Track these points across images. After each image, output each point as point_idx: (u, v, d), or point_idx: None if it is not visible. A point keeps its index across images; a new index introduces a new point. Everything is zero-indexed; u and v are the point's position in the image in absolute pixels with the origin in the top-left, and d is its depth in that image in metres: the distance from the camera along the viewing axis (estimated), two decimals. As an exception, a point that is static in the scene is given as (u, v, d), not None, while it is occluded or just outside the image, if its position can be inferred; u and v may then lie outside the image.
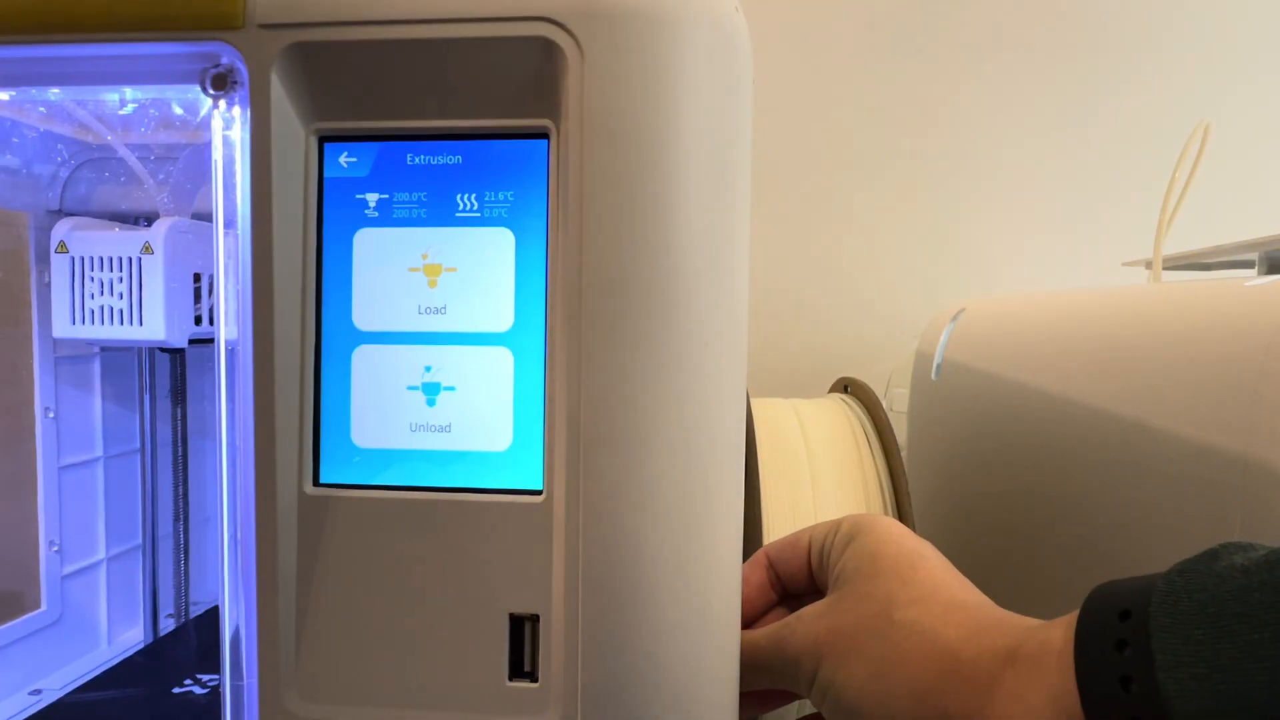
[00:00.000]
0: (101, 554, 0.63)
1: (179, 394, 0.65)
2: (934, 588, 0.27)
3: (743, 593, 0.31)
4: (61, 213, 0.56)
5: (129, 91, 0.37)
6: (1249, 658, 0.19)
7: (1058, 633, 0.23)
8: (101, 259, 0.52)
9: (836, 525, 0.31)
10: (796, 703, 0.34)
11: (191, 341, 0.54)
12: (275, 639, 0.27)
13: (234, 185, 0.27)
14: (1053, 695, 0.22)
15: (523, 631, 0.27)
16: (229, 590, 0.28)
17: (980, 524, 0.64)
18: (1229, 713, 0.19)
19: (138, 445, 0.64)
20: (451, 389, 0.28)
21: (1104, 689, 0.21)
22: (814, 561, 0.31)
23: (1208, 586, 0.20)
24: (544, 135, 0.27)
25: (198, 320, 0.55)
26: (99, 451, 0.62)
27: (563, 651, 0.26)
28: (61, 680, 0.57)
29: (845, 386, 0.61)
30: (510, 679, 0.27)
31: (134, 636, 0.65)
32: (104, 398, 0.62)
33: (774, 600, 0.33)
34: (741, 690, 0.29)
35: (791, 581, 0.32)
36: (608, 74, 0.25)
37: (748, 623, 0.32)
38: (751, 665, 0.29)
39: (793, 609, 0.31)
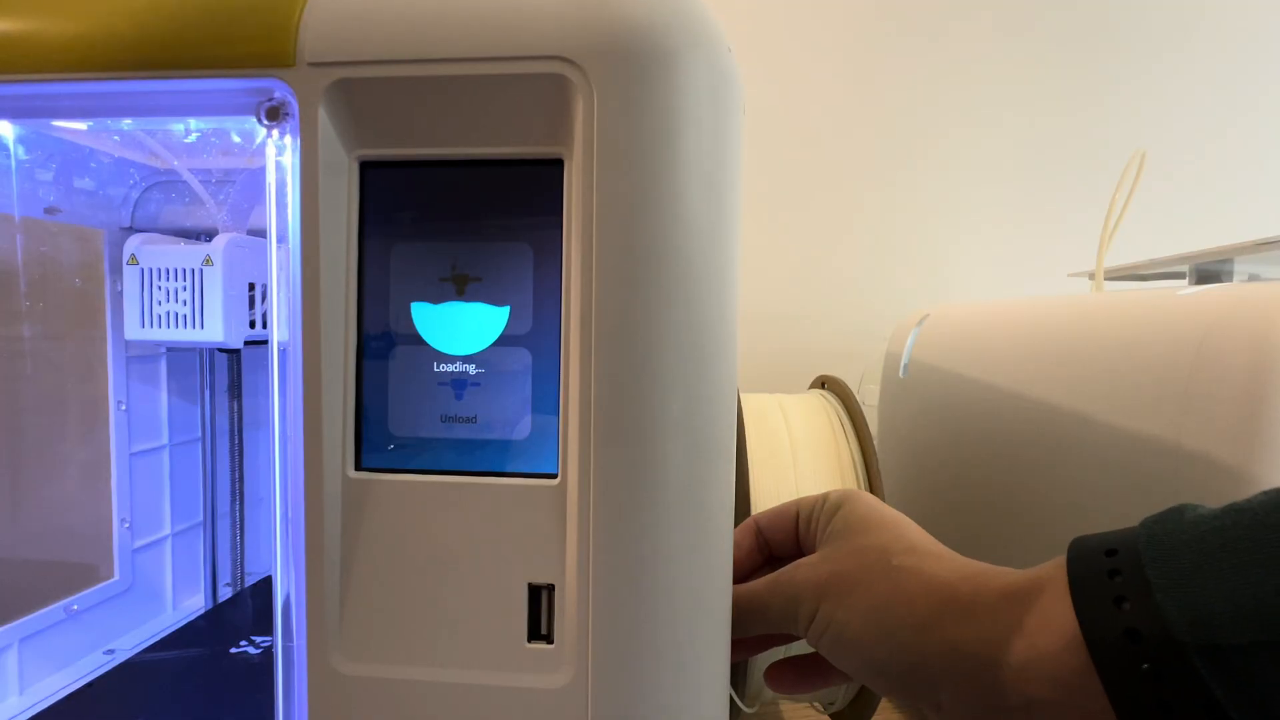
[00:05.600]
0: (167, 530, 0.63)
1: (236, 389, 0.65)
2: (921, 542, 0.28)
3: (735, 555, 0.31)
4: (132, 229, 0.56)
5: (193, 122, 0.37)
6: (1231, 577, 0.20)
7: (1049, 572, 0.24)
8: (167, 270, 0.52)
9: (823, 497, 0.31)
10: (783, 647, 0.34)
11: (247, 343, 0.54)
12: (322, 605, 0.27)
13: (285, 205, 0.27)
14: (1051, 620, 0.23)
15: (540, 599, 0.27)
16: (281, 562, 0.28)
17: (943, 503, 0.64)
18: (1214, 618, 0.20)
19: (199, 435, 0.64)
20: (477, 385, 0.28)
21: (1100, 609, 0.22)
22: (801, 528, 0.31)
23: (1185, 530, 0.21)
24: (559, 160, 0.27)
25: (252, 324, 0.55)
26: (165, 440, 0.63)
27: (575, 616, 0.26)
28: (132, 641, 0.57)
29: (823, 383, 0.60)
30: (529, 641, 0.27)
31: (196, 603, 0.65)
32: (169, 392, 0.62)
33: (761, 562, 0.33)
34: (736, 636, 0.29)
35: (779, 547, 0.32)
36: (616, 107, 0.25)
37: (739, 581, 0.32)
38: (750, 610, 0.29)
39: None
